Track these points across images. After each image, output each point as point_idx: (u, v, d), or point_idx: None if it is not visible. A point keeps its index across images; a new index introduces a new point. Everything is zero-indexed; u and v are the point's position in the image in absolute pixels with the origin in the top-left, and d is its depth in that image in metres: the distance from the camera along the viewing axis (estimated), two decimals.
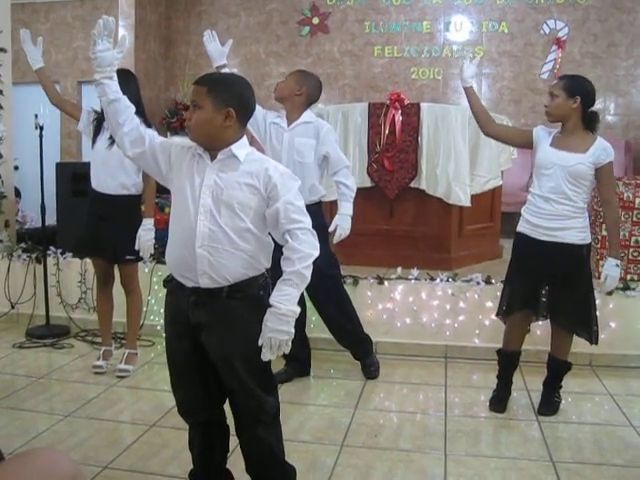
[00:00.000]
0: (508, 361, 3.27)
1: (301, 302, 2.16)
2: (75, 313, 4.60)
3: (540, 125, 3.18)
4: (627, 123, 7.34)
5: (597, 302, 3.28)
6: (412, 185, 4.64)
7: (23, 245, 4.88)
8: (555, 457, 2.72)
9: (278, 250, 1.99)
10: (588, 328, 3.13)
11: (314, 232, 1.97)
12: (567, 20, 7.37)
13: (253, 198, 1.96)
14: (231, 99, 1.95)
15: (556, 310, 3.14)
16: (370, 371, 3.68)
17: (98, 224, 3.57)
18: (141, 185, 3.60)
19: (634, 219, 4.27)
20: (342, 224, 3.41)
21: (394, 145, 4.60)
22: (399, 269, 4.20)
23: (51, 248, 4.64)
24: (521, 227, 3.14)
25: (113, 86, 2.03)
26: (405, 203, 4.71)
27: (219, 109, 1.94)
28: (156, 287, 4.30)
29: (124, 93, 2.07)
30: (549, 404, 3.21)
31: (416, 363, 3.93)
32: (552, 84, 3.14)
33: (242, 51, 8.12)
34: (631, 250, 4.31)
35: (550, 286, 3.12)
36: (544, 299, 3.15)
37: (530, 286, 3.11)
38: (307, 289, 2.08)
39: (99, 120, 3.53)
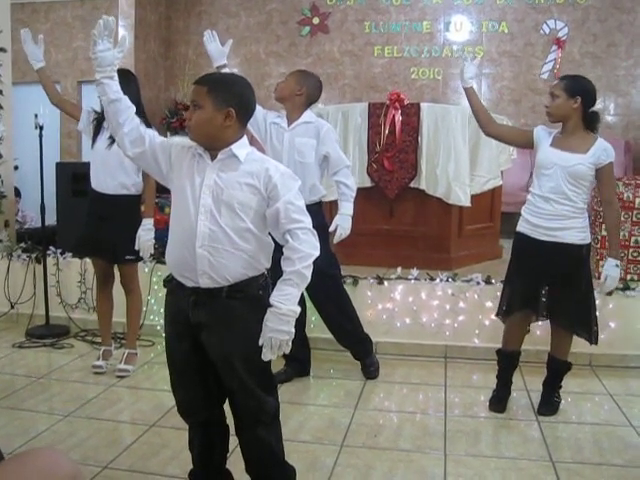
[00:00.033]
0: (508, 361, 3.27)
1: (301, 302, 2.16)
2: (75, 313, 4.60)
3: (540, 125, 3.19)
4: (627, 123, 7.34)
5: (597, 302, 3.29)
6: (412, 185, 4.63)
7: (23, 245, 4.88)
8: (555, 457, 2.72)
9: (278, 250, 1.99)
10: (588, 328, 3.13)
11: (314, 232, 1.97)
12: (567, 20, 7.37)
13: (253, 198, 1.96)
14: (231, 99, 1.95)
15: (556, 310, 3.14)
16: (370, 371, 3.68)
17: (98, 224, 3.56)
18: (141, 185, 3.60)
19: (634, 219, 4.27)
20: (342, 224, 3.40)
21: (394, 145, 4.60)
22: (399, 269, 4.20)
23: (51, 248, 4.64)
24: (521, 227, 3.14)
25: (114, 86, 2.04)
26: (405, 203, 4.71)
27: (219, 109, 1.94)
28: (156, 287, 4.31)
29: (124, 93, 2.07)
30: (549, 404, 3.21)
31: (416, 363, 3.93)
32: (553, 84, 3.14)
33: (242, 51, 8.12)
34: (631, 250, 4.31)
35: (550, 286, 3.12)
36: (544, 299, 3.15)
37: (530, 286, 3.11)
38: (307, 289, 2.08)
39: (99, 120, 3.54)
